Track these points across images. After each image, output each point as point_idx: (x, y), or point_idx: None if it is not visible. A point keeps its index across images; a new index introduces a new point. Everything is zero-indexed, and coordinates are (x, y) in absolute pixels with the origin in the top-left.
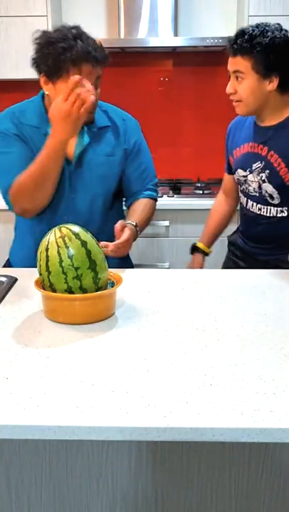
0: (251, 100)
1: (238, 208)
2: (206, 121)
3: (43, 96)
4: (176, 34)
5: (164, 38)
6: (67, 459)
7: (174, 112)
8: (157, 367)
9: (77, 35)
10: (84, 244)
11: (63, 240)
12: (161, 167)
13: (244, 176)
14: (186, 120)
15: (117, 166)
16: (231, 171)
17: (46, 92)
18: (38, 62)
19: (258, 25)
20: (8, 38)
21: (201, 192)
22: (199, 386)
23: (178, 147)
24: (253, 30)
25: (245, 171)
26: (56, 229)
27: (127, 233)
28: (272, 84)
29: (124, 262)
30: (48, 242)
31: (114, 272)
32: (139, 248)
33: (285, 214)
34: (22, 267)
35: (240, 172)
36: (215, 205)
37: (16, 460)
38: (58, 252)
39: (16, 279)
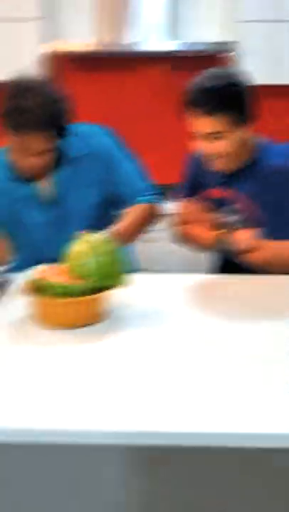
0: (234, 153)
1: None
2: None
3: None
4: (171, 38)
5: (159, 42)
6: (67, 460)
7: (169, 116)
8: (157, 367)
9: (32, 103)
10: None
11: None
12: (156, 172)
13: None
14: (182, 125)
15: (108, 188)
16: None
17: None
18: None
19: (208, 77)
20: (2, 40)
21: None
22: (198, 390)
23: (173, 152)
24: (218, 79)
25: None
26: None
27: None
28: (248, 131)
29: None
30: None
31: None
32: (139, 249)
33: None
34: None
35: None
36: None
37: (16, 461)
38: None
39: (10, 282)
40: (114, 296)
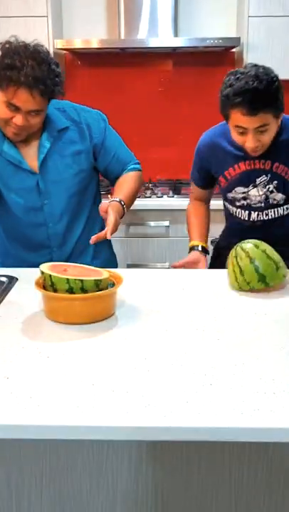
0: (270, 141)
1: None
2: (206, 122)
3: None
4: (176, 34)
5: (164, 38)
6: (67, 459)
7: (173, 112)
8: (157, 367)
9: (32, 56)
10: None
11: None
12: (161, 167)
13: (244, 192)
14: (186, 120)
15: (87, 161)
16: (206, 186)
17: None
18: None
19: (256, 76)
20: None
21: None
22: (199, 386)
23: (178, 147)
24: (259, 85)
25: (248, 186)
26: None
27: (111, 214)
28: (281, 117)
29: (111, 262)
30: None
31: (114, 271)
32: (139, 248)
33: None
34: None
35: (239, 189)
36: (194, 207)
37: (16, 460)
38: None
39: (16, 279)
40: (119, 292)
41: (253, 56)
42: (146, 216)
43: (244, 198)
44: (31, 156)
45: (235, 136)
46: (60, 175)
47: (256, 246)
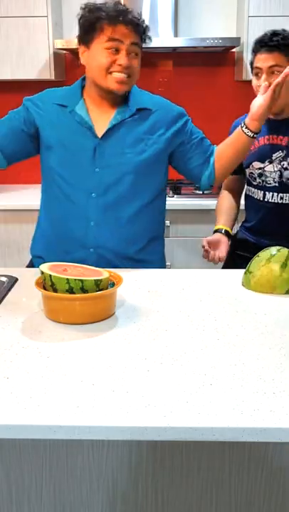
0: (284, 94)
1: (243, 207)
2: (206, 122)
3: (83, 79)
4: (176, 34)
5: (164, 38)
6: (67, 459)
7: None
8: (157, 367)
9: (118, 2)
10: None
11: None
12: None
13: (260, 168)
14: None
15: (152, 147)
16: (236, 170)
17: (83, 63)
18: (78, 36)
19: (278, 30)
20: (9, 38)
21: (201, 192)
22: (199, 386)
23: None
24: (283, 32)
25: (264, 162)
26: None
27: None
28: None
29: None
30: None
31: (114, 271)
32: None
33: None
34: (43, 254)
35: (256, 164)
36: (223, 195)
37: (16, 460)
38: None
39: (16, 279)
40: (119, 292)
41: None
42: None
43: (260, 175)
44: (100, 123)
45: (254, 82)
46: (121, 149)
47: None
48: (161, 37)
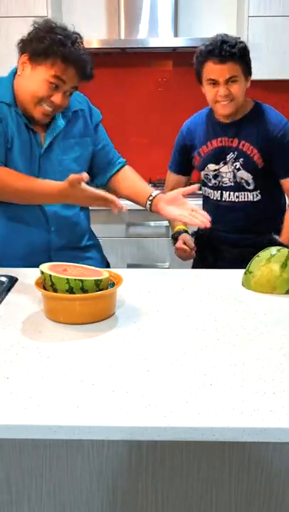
0: (241, 99)
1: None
2: None
3: (14, 74)
4: (176, 34)
5: (164, 38)
6: (67, 459)
7: (173, 112)
8: (157, 367)
9: (76, 40)
10: None
11: None
12: (161, 167)
13: (215, 170)
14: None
15: (89, 146)
16: (183, 171)
17: (19, 73)
18: (26, 43)
19: (224, 36)
20: (9, 38)
21: (200, 192)
22: (199, 386)
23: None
24: (229, 40)
25: (218, 164)
26: None
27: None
28: (248, 83)
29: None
30: None
31: (114, 271)
32: (139, 248)
33: (259, 197)
34: None
35: (211, 167)
36: None
37: (16, 460)
38: None
39: (16, 279)
40: (119, 292)
41: (253, 56)
42: (146, 216)
43: (215, 176)
44: (40, 131)
45: (208, 91)
46: (62, 155)
47: None
48: (161, 37)
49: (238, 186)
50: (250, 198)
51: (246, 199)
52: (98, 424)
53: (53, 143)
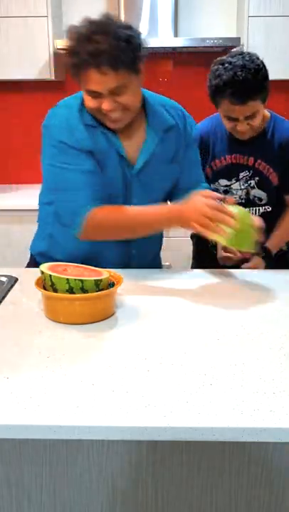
0: (260, 125)
1: None
2: None
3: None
4: (176, 34)
5: (164, 38)
6: (67, 459)
7: None
8: (157, 367)
9: (92, 32)
10: None
11: None
12: None
13: (227, 186)
14: None
15: (178, 172)
16: None
17: None
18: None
19: (243, 66)
20: (9, 38)
21: None
22: (199, 386)
23: None
24: (247, 75)
25: (230, 180)
26: None
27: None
28: (266, 103)
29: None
30: None
31: (114, 271)
32: None
33: (270, 209)
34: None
35: (222, 182)
36: None
37: (16, 460)
38: None
39: (16, 279)
40: (119, 292)
41: None
42: None
43: (225, 192)
44: (132, 151)
45: (226, 123)
46: (154, 180)
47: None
48: (161, 37)
49: (249, 202)
50: (261, 210)
51: (257, 213)
52: (98, 424)
53: (146, 166)
